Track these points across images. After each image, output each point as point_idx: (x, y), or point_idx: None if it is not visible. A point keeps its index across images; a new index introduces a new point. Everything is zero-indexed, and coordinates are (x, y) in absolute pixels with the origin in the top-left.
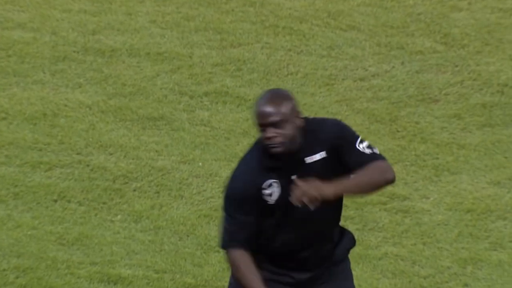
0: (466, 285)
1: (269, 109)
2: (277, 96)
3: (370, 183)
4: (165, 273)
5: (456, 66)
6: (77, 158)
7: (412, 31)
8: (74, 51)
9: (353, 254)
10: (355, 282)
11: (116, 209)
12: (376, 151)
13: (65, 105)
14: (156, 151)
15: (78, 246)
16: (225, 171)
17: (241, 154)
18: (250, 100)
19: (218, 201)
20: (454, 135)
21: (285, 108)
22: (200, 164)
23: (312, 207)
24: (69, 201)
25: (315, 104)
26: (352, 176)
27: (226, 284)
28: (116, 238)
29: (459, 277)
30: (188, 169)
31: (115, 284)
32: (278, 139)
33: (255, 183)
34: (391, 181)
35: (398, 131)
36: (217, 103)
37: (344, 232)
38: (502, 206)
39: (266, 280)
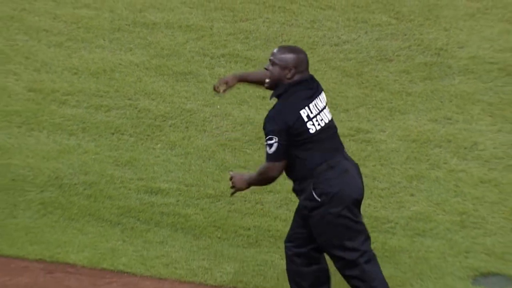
0: (412, 195)
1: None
2: (291, 49)
3: (261, 180)
4: (192, 186)
5: (405, 35)
6: (128, 103)
7: (373, 9)
8: (126, 24)
9: None
10: None
11: (156, 139)
12: (270, 151)
13: (119, 64)
14: (186, 97)
15: (129, 166)
16: (236, 112)
17: (248, 100)
18: (254, 60)
19: (232, 134)
20: (404, 86)
21: (280, 55)
22: (218, 106)
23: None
24: (122, 134)
25: None
26: (256, 171)
27: (237, 194)
28: (157, 160)
29: (407, 189)
30: (209, 110)
31: (156, 194)
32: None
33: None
34: (271, 180)
35: (362, 83)
36: (230, 62)
37: (304, 190)
38: (438, 137)
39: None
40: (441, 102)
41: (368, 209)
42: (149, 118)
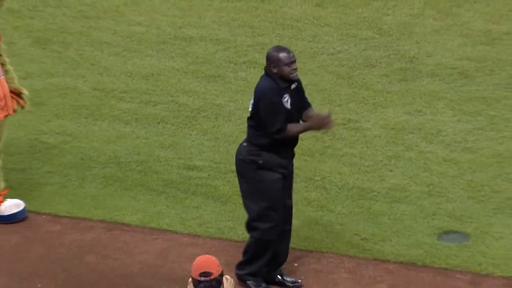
0: (391, 170)
1: (292, 54)
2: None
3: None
4: (220, 164)
5: (385, 46)
6: (170, 99)
7: (360, 27)
8: (169, 38)
9: (326, 154)
10: (328, 175)
11: (192, 127)
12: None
13: (164, 69)
14: (215, 94)
15: (171, 148)
16: None
17: None
18: None
19: None
20: (384, 86)
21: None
22: (240, 102)
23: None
24: (166, 123)
25: (305, 68)
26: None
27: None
28: (193, 144)
29: (386, 166)
30: (234, 105)
31: (192, 170)
32: (297, 70)
33: (279, 94)
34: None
35: (352, 84)
36: (249, 67)
37: None
38: (411, 126)
39: (276, 173)
40: (413, 98)
41: (357, 182)
42: (187, 110)
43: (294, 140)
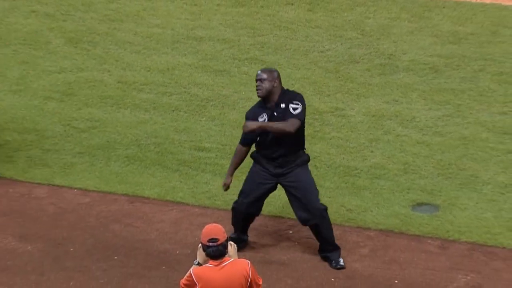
0: (372, 151)
1: (260, 72)
2: (266, 70)
3: (278, 128)
4: (226, 145)
5: (367, 45)
6: (183, 90)
7: (346, 28)
8: (182, 38)
9: (317, 137)
10: (318, 155)
11: (202, 114)
12: (296, 112)
13: (178, 64)
14: (222, 86)
15: (184, 132)
16: (255, 96)
17: None
18: (267, 61)
19: None
20: (366, 78)
21: (266, 75)
22: (243, 93)
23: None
24: (179, 111)
25: (298, 63)
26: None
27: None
28: (203, 128)
29: (368, 148)
30: (237, 95)
31: (202, 151)
32: (260, 87)
33: (256, 114)
34: (288, 132)
35: (339, 77)
36: (251, 63)
37: (304, 153)
38: (389, 113)
39: (258, 170)
40: (391, 90)
41: (343, 161)
42: (197, 100)
43: (268, 155)
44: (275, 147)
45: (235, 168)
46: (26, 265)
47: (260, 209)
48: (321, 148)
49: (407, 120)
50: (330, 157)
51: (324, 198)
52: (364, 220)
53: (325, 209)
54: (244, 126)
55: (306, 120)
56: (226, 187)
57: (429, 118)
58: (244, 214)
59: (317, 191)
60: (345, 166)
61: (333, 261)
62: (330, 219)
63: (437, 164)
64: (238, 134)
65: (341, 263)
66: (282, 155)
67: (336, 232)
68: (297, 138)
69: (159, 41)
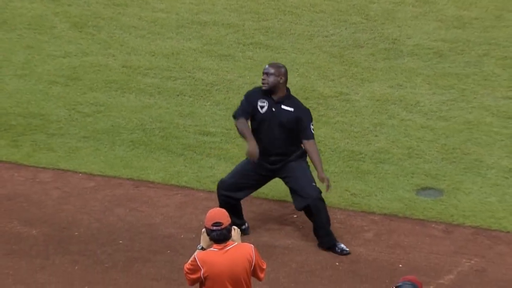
0: (376, 136)
1: (267, 66)
2: (274, 64)
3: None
4: (231, 130)
5: (372, 30)
6: (188, 74)
7: (350, 13)
8: (187, 23)
9: (321, 122)
10: (323, 140)
11: (207, 99)
12: (313, 131)
13: (182, 49)
14: (226, 71)
15: (189, 117)
16: (260, 81)
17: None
18: (271, 46)
19: None
20: (370, 63)
21: (273, 70)
22: (248, 77)
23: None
24: (184, 95)
25: (303, 48)
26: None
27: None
28: (207, 113)
29: (372, 132)
30: (242, 80)
31: (206, 135)
32: (266, 81)
33: (256, 97)
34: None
35: (343, 62)
36: (255, 48)
37: (299, 149)
38: (393, 98)
39: (255, 163)
40: (396, 74)
41: (347, 146)
42: (202, 85)
43: (264, 150)
44: (272, 145)
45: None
46: (31, 249)
47: (242, 195)
48: (326, 132)
49: (412, 105)
50: (334, 141)
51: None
52: (368, 204)
53: (319, 193)
54: (249, 154)
55: (310, 105)
56: (257, 153)
57: (433, 102)
58: (224, 196)
59: (311, 179)
60: (350, 150)
61: (337, 247)
62: (335, 203)
63: (441, 149)
64: None
65: (345, 248)
66: (278, 154)
67: (340, 216)
68: (294, 139)
69: (164, 26)
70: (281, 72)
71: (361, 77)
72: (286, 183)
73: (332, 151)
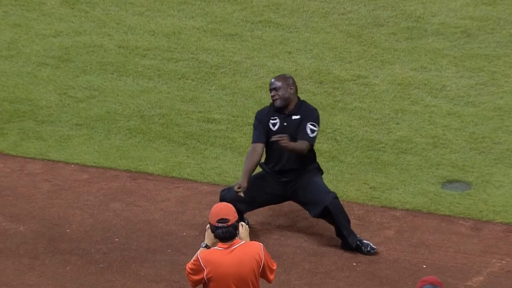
0: (397, 123)
1: (273, 81)
2: (279, 76)
3: (296, 149)
4: (238, 117)
5: (393, 7)
6: (191, 56)
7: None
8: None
9: (337, 108)
10: (339, 128)
11: (211, 83)
12: (313, 135)
13: (185, 28)
14: (233, 52)
15: (192, 102)
16: (270, 63)
17: (279, 54)
18: (283, 24)
19: (266, 79)
20: (392, 44)
21: (280, 83)
22: (256, 59)
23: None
24: (187, 79)
25: (317, 27)
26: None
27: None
28: (212, 98)
29: (394, 119)
30: (250, 62)
31: (211, 123)
32: (276, 96)
33: (267, 116)
34: (304, 152)
35: (362, 42)
36: (265, 26)
37: (315, 163)
38: (417, 81)
39: (265, 174)
40: (419, 56)
41: (366, 134)
42: (206, 67)
43: (276, 168)
44: (284, 161)
45: (253, 170)
46: (19, 248)
47: (248, 208)
48: (342, 119)
49: (437, 89)
50: (352, 129)
51: (345, 174)
52: (389, 199)
53: (334, 194)
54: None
55: (325, 90)
56: (242, 189)
57: (460, 87)
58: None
59: (325, 187)
60: (368, 139)
61: (363, 247)
62: (352, 197)
63: (469, 138)
64: (251, 104)
65: (373, 246)
66: (291, 169)
67: (358, 212)
68: (308, 154)
69: (164, 2)
70: (290, 82)
71: (381, 58)
72: (299, 197)
73: (349, 141)
